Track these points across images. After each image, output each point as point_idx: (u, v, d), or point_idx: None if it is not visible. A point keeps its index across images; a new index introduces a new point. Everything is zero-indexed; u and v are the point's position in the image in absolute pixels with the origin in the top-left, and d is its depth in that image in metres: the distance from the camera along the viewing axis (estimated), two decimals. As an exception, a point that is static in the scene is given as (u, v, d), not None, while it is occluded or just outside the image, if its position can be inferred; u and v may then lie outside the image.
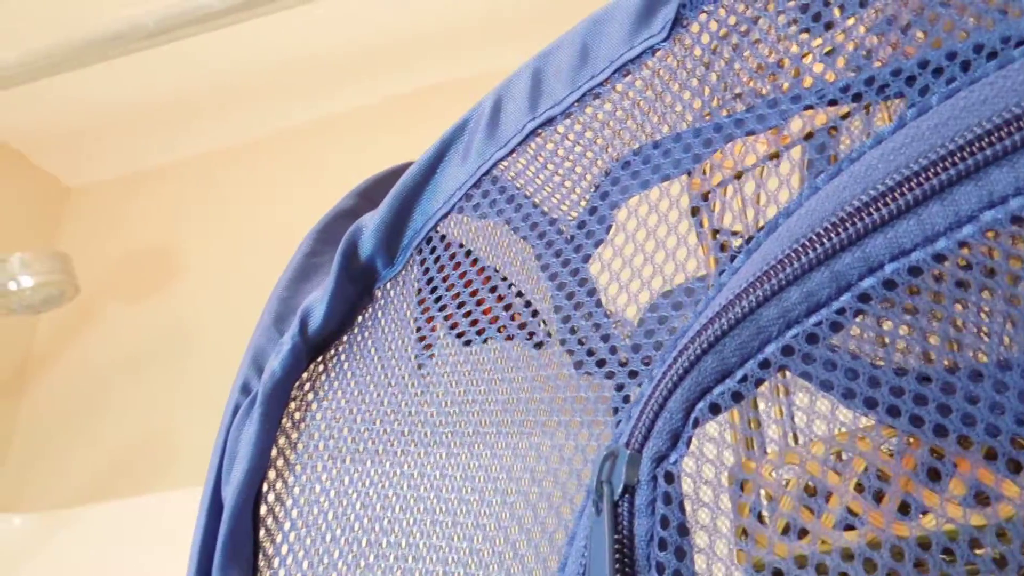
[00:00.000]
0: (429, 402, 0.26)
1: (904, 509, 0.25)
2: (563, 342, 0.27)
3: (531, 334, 0.28)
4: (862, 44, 0.25)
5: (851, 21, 0.27)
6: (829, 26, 0.25)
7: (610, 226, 0.28)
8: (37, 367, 1.43)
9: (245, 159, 1.48)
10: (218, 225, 1.44)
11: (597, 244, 0.28)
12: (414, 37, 1.33)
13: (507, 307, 0.28)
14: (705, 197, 0.36)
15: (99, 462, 1.31)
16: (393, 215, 0.28)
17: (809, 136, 0.33)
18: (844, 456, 0.32)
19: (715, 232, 0.39)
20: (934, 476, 0.24)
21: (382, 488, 0.26)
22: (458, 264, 0.28)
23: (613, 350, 0.24)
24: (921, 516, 0.25)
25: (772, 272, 0.21)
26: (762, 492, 0.32)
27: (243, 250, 1.40)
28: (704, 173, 0.35)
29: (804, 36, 0.27)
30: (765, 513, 0.29)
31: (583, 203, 0.28)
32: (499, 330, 0.28)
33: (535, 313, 0.28)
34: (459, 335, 0.28)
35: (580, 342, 0.25)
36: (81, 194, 1.57)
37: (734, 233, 0.41)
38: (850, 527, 0.26)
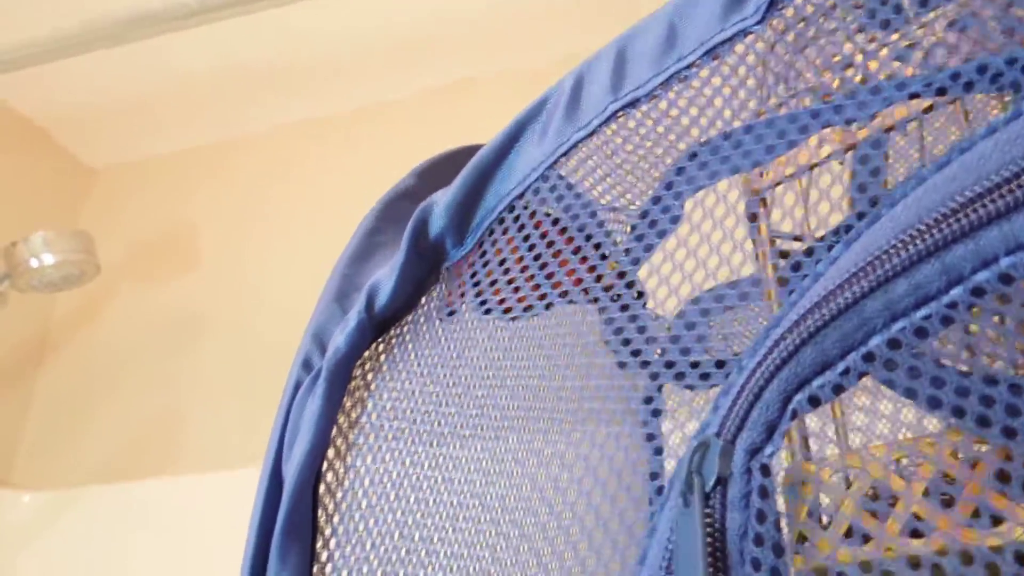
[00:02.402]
0: (500, 386, 0.26)
1: (975, 515, 0.25)
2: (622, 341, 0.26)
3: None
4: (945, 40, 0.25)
5: (932, 15, 0.27)
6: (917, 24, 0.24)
7: (678, 216, 0.27)
8: (53, 346, 1.43)
9: (269, 147, 1.48)
10: (238, 212, 1.44)
11: (661, 235, 0.27)
12: (442, 33, 1.33)
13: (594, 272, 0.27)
14: (764, 203, 0.35)
15: (111, 443, 1.31)
16: (465, 194, 0.27)
17: (890, 129, 0.32)
18: (909, 460, 0.31)
19: (772, 239, 0.38)
20: (1006, 481, 0.23)
21: (449, 472, 0.25)
22: (532, 245, 0.27)
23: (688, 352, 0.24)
24: (992, 523, 0.24)
25: (878, 262, 0.20)
26: (822, 495, 0.31)
27: (262, 237, 1.40)
28: (760, 175, 0.35)
29: (893, 36, 0.27)
30: (825, 517, 0.29)
31: (651, 191, 0.28)
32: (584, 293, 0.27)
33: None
34: (527, 308, 0.28)
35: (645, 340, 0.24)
36: (103, 176, 1.57)
37: (796, 239, 0.40)
38: (917, 533, 0.25)
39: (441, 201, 0.27)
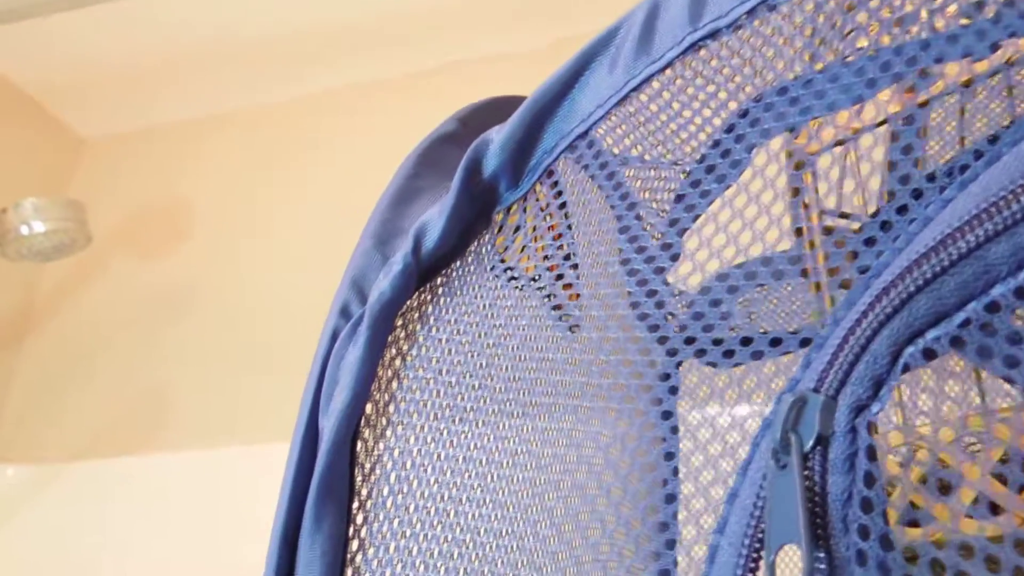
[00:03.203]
0: (553, 351, 0.24)
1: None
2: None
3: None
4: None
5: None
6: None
7: (739, 161, 0.25)
8: (39, 317, 1.40)
9: (263, 121, 1.45)
10: (231, 186, 1.42)
11: (723, 183, 0.25)
12: (442, 12, 1.30)
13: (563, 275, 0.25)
14: (799, 167, 0.33)
15: (97, 418, 1.28)
16: (523, 130, 0.25)
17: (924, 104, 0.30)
18: (977, 442, 0.29)
19: (820, 213, 0.36)
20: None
21: (503, 431, 0.23)
22: (574, 204, 0.25)
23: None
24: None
25: (1003, 203, 0.18)
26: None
27: (254, 212, 1.38)
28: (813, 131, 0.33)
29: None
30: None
31: (726, 128, 0.25)
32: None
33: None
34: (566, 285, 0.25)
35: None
36: (95, 146, 1.54)
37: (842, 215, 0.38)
38: (988, 519, 0.24)
39: (496, 138, 0.25)
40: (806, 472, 0.18)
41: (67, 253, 1.19)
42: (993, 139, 0.20)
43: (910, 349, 0.18)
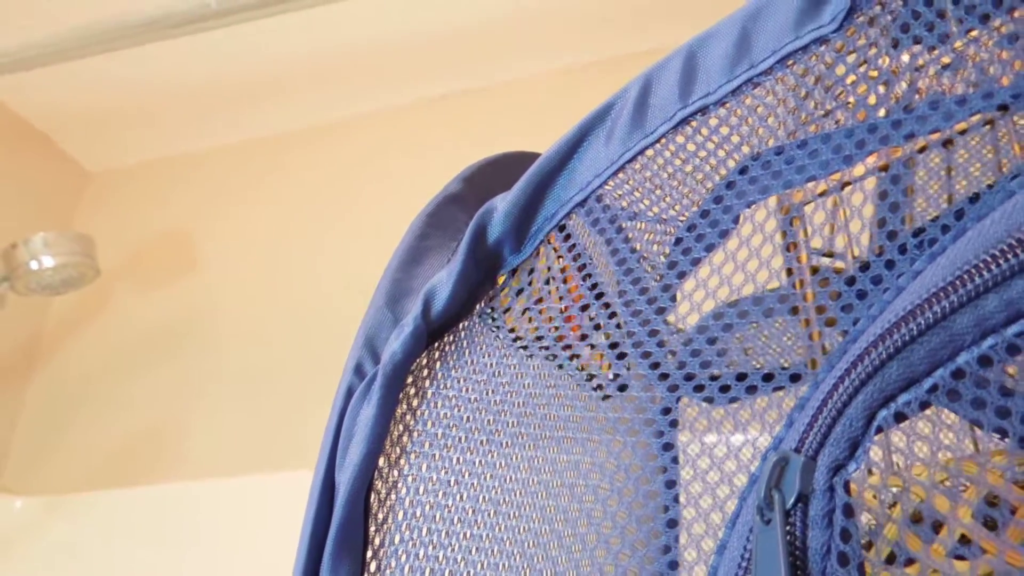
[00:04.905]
0: (559, 395, 0.25)
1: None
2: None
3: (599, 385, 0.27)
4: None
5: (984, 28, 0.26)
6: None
7: (726, 231, 0.27)
8: (47, 350, 1.41)
9: (267, 153, 1.47)
10: (236, 218, 1.43)
11: (709, 248, 0.27)
12: (446, 41, 1.32)
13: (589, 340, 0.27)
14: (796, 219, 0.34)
15: (104, 450, 1.29)
16: (525, 198, 0.26)
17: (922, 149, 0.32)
18: (953, 482, 0.30)
19: (807, 255, 0.37)
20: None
21: (509, 483, 0.24)
22: (582, 266, 0.27)
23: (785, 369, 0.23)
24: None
25: (967, 276, 0.20)
26: (864, 517, 0.30)
27: (260, 243, 1.39)
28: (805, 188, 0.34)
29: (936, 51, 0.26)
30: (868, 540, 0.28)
31: (697, 205, 0.27)
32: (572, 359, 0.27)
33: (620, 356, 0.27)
34: (566, 346, 0.27)
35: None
36: (101, 179, 1.56)
37: (828, 255, 0.40)
38: (961, 557, 0.25)
39: (500, 207, 0.27)
40: (788, 527, 0.20)
41: (76, 287, 1.20)
42: (959, 214, 0.21)
43: (883, 413, 0.20)
